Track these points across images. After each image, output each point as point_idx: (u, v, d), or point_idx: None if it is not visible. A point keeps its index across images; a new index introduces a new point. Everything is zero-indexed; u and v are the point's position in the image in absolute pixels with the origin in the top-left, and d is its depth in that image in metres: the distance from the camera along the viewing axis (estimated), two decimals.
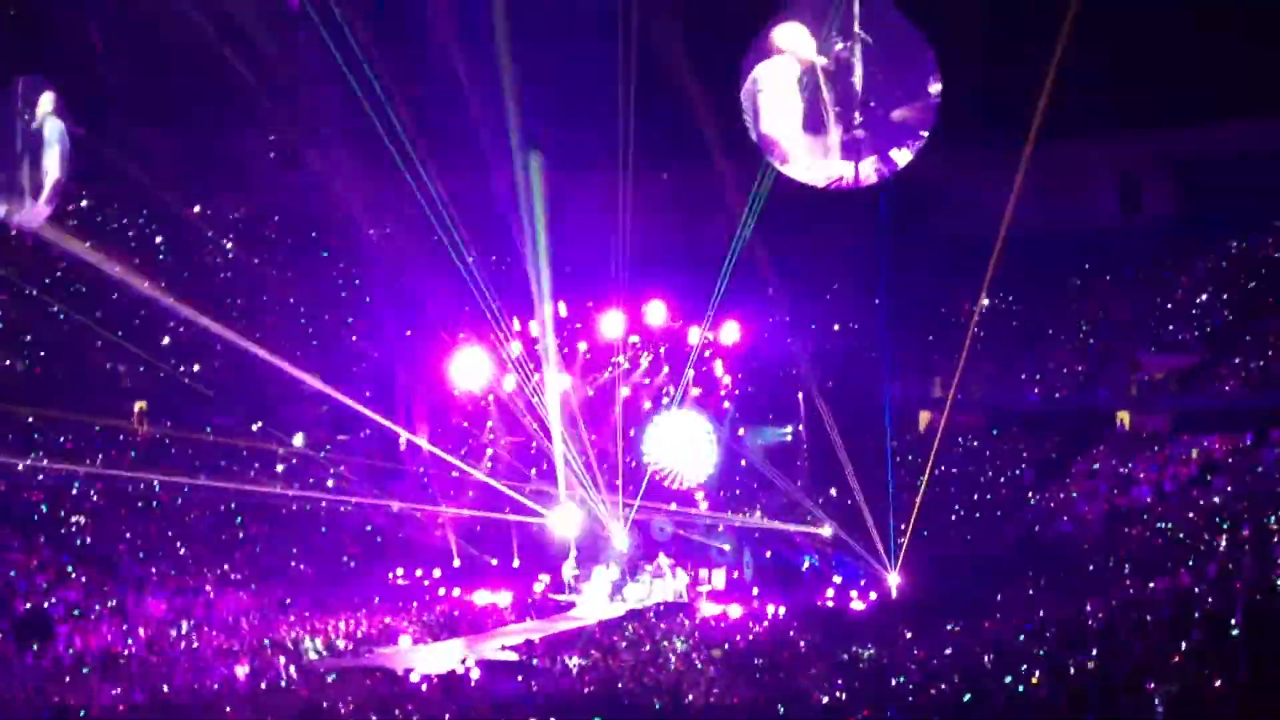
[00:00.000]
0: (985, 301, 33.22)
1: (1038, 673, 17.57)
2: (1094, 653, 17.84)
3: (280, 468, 32.12)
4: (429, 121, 29.20)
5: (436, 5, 28.63)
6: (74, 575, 25.67)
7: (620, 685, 21.45)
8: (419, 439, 33.03)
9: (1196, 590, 19.96)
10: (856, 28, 22.77)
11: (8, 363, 31.77)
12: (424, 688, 20.81)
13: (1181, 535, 24.09)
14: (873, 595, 28.60)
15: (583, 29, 27.61)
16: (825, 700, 19.22)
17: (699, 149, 28.09)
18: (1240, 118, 26.78)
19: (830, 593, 29.67)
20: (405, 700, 19.93)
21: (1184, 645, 15.32)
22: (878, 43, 22.51)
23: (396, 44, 29.51)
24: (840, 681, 20.08)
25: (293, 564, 30.29)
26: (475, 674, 22.10)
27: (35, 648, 21.95)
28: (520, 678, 22.19)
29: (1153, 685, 13.70)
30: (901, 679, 19.74)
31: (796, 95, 23.54)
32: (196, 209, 32.80)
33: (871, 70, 23.14)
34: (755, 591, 30.19)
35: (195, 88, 30.24)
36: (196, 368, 33.58)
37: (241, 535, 30.46)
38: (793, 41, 23.09)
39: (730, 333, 32.78)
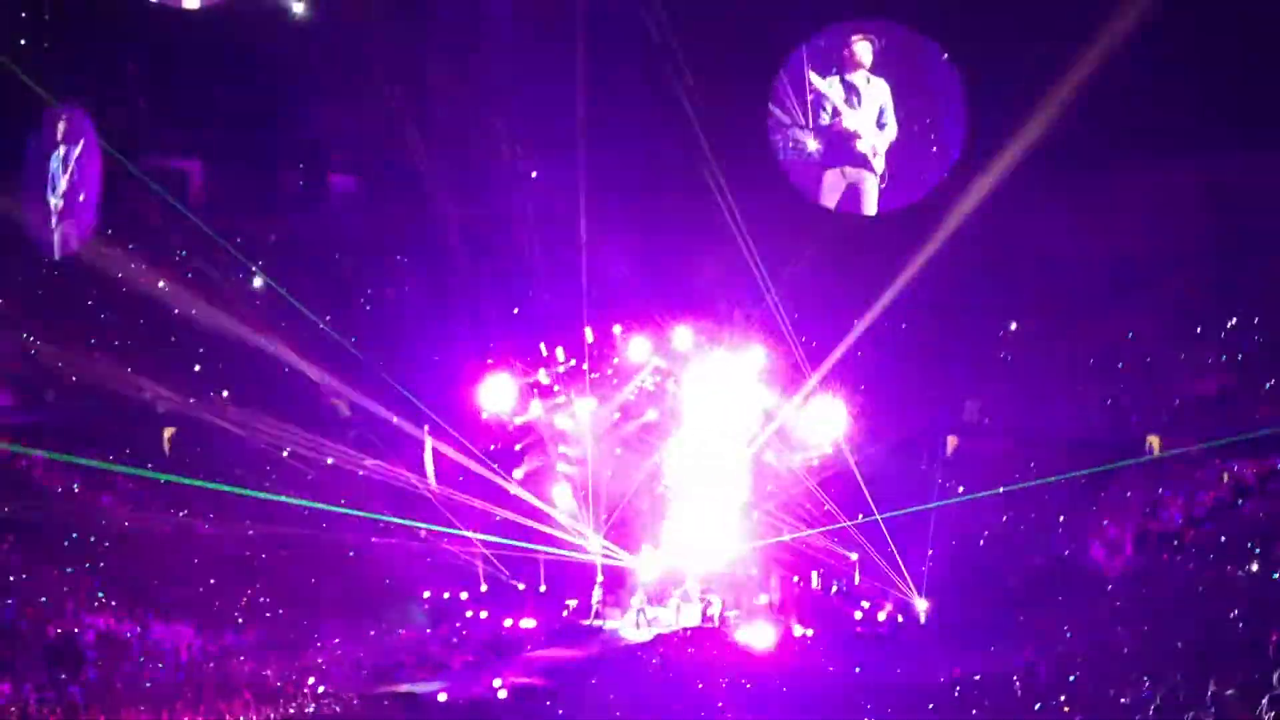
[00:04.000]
0: (1014, 325, 33.02)
1: (1066, 699, 17.48)
2: (1126, 679, 17.73)
3: (308, 493, 32.15)
4: (458, 146, 29.40)
5: (464, 30, 28.82)
6: (103, 602, 25.79)
7: (647, 711, 21.42)
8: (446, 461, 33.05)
9: (1230, 615, 19.80)
10: (890, 56, 22.93)
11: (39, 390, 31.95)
12: (452, 712, 20.84)
13: (1213, 559, 23.89)
14: (900, 619, 28.49)
15: (604, 53, 27.74)
16: None
17: (725, 169, 28.10)
18: (1276, 144, 26.57)
19: (858, 615, 29.53)
20: None
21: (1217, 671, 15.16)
22: (910, 69, 22.59)
23: (423, 68, 29.76)
24: (869, 707, 19.99)
25: (320, 589, 30.30)
26: (502, 695, 22.12)
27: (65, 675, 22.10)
28: (548, 703, 22.18)
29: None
30: (931, 706, 19.65)
31: (824, 119, 23.64)
32: (226, 234, 32.94)
33: (902, 95, 23.22)
34: (783, 617, 30.08)
35: (228, 111, 30.50)
36: (225, 394, 33.70)
37: (270, 560, 30.50)
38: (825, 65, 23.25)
39: (757, 356, 32.69)
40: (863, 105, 23.43)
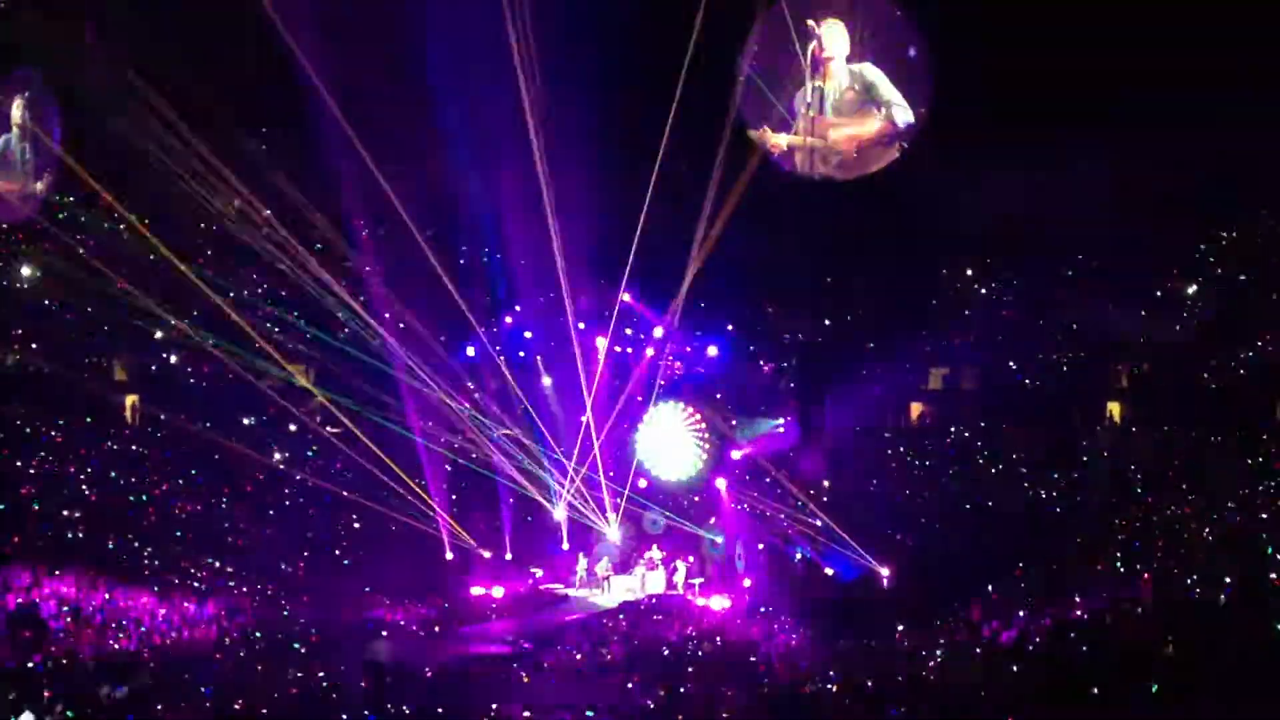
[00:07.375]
0: (981, 291, 33.16)
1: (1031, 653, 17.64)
2: (1086, 641, 17.91)
3: (275, 459, 32.06)
4: (423, 115, 29.15)
5: (438, 5, 28.51)
6: (65, 571, 25.60)
7: (614, 676, 21.49)
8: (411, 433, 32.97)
9: (1189, 579, 20.04)
10: (853, 20, 23.01)
11: None
12: (418, 679, 20.85)
13: (1175, 523, 24.12)
14: (865, 580, 28.64)
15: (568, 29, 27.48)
16: (815, 690, 19.28)
17: (688, 139, 28.00)
18: (1232, 108, 26.72)
19: (820, 581, 29.66)
20: (401, 693, 19.96)
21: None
22: (873, 32, 22.65)
23: (391, 38, 29.43)
24: (833, 674, 20.11)
25: (284, 558, 30.19)
26: (468, 666, 22.15)
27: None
28: (514, 668, 22.23)
29: None
30: (894, 670, 19.78)
31: (791, 85, 23.72)
32: (188, 203, 32.58)
33: (867, 59, 23.30)
34: (747, 583, 30.19)
35: (196, 81, 30.04)
36: (187, 362, 33.47)
37: (233, 530, 30.37)
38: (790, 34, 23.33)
39: (721, 325, 32.76)
40: (828, 70, 23.64)
